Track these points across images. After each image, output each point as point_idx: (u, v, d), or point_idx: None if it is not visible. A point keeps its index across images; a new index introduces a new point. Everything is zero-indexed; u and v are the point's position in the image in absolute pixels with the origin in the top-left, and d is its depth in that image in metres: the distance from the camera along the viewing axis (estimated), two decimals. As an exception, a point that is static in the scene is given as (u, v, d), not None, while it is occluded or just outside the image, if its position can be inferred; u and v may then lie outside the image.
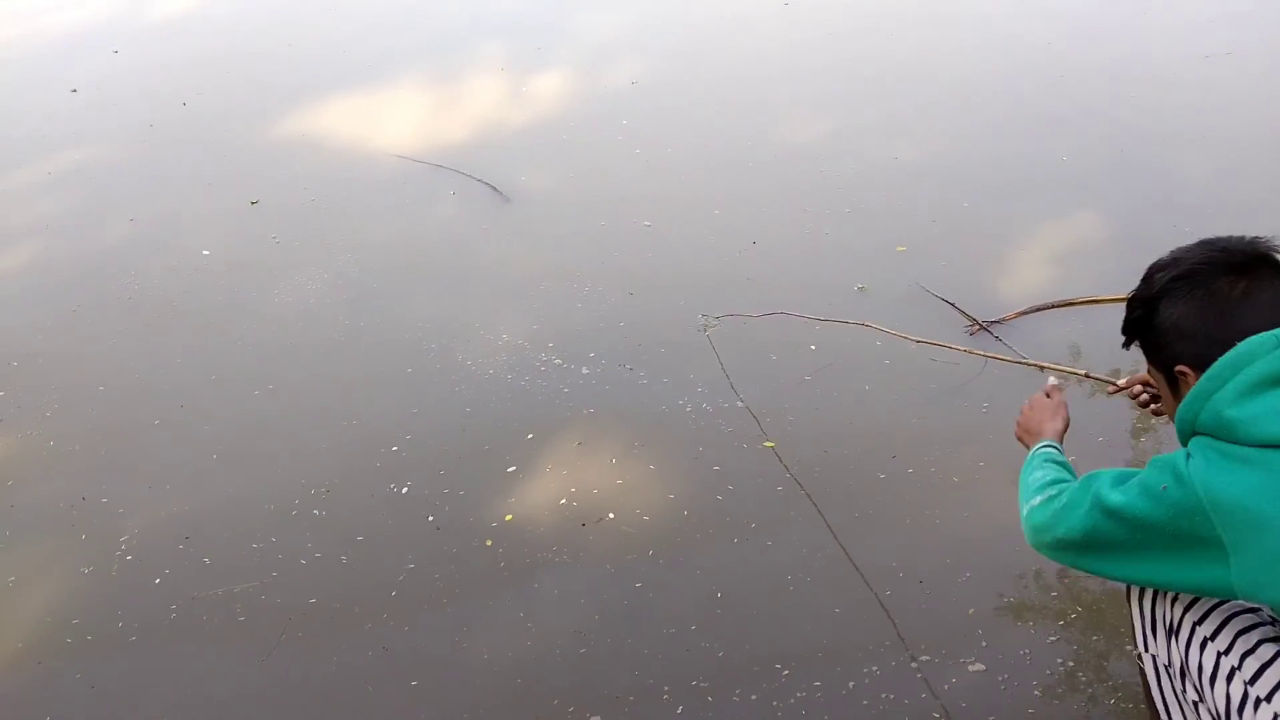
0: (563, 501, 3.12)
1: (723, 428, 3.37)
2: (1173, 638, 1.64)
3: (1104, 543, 1.53)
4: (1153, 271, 1.63)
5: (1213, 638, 1.59)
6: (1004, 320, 3.81)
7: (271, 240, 4.71)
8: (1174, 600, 1.64)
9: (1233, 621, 1.59)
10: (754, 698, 2.49)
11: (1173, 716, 1.71)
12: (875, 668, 2.54)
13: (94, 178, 5.45)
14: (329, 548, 3.00)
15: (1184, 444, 1.52)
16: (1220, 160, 4.97)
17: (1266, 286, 1.50)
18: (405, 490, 3.20)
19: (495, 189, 5.01)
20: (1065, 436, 2.00)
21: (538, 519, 3.06)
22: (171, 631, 2.77)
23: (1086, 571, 1.64)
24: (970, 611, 2.67)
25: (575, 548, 2.96)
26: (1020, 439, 2.07)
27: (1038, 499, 1.70)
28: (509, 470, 3.25)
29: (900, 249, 4.35)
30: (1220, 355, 1.46)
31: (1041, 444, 1.94)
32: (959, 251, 4.32)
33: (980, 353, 2.58)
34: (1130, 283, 4.00)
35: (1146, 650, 1.73)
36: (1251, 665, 1.54)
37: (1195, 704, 1.64)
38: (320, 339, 3.99)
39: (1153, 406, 2.03)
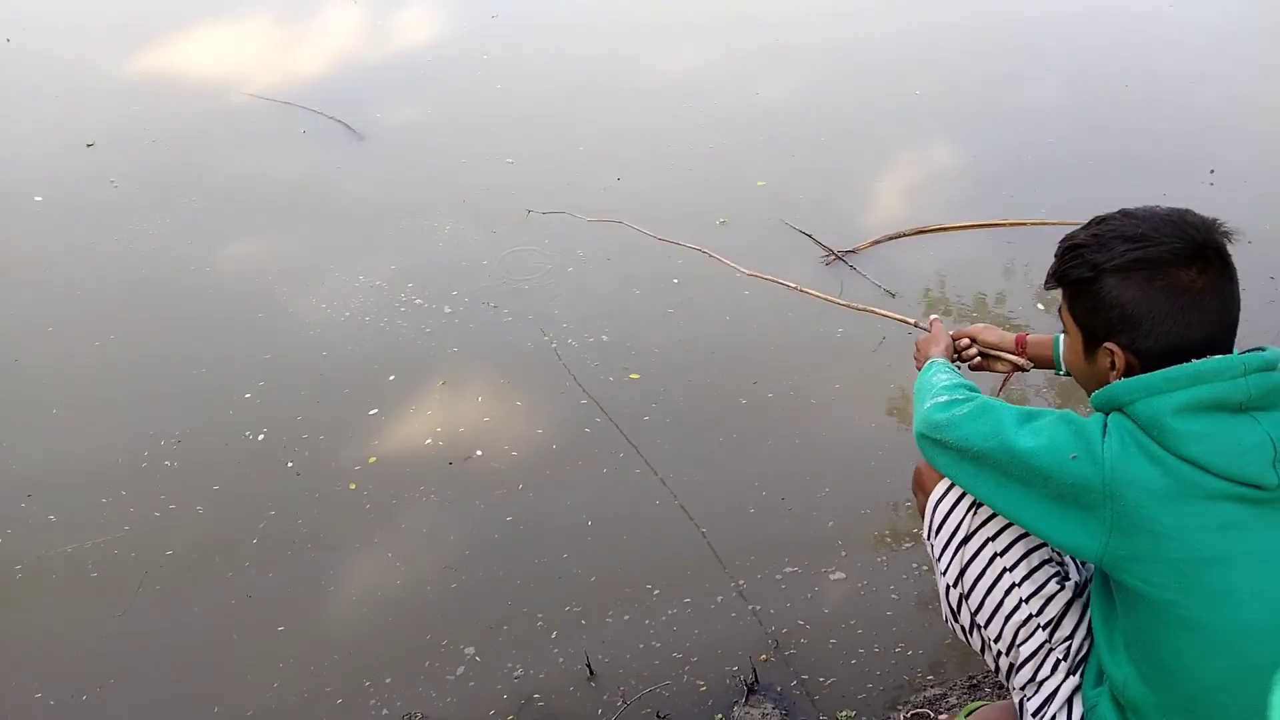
0: (428, 441, 3.08)
1: (588, 361, 3.37)
2: (963, 545, 1.73)
3: (991, 466, 1.56)
4: (1112, 236, 1.50)
5: (1002, 553, 1.69)
6: (858, 250, 3.91)
7: (109, 184, 4.47)
8: (972, 512, 1.72)
9: (1023, 541, 1.70)
10: (626, 618, 2.54)
11: (945, 598, 1.81)
12: (742, 581, 2.61)
13: (-92, 121, 5.08)
14: (183, 499, 2.91)
15: (1099, 409, 1.50)
16: (1061, 95, 5.15)
17: (1217, 288, 1.45)
18: (261, 438, 3.11)
19: (348, 126, 4.85)
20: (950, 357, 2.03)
21: (403, 460, 3.02)
22: (18, 592, 2.66)
23: (955, 479, 1.66)
24: (830, 524, 2.77)
25: (443, 486, 2.94)
26: (918, 352, 2.07)
27: (943, 398, 1.70)
28: (370, 413, 3.19)
29: (760, 183, 4.40)
30: (1154, 347, 1.46)
31: (934, 360, 1.95)
32: (816, 185, 4.39)
33: (803, 289, 2.60)
34: (978, 210, 4.12)
35: (927, 540, 1.82)
36: (1029, 586, 1.67)
37: (961, 598, 1.75)
38: (164, 286, 3.83)
39: (976, 361, 2.05)
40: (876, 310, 2.45)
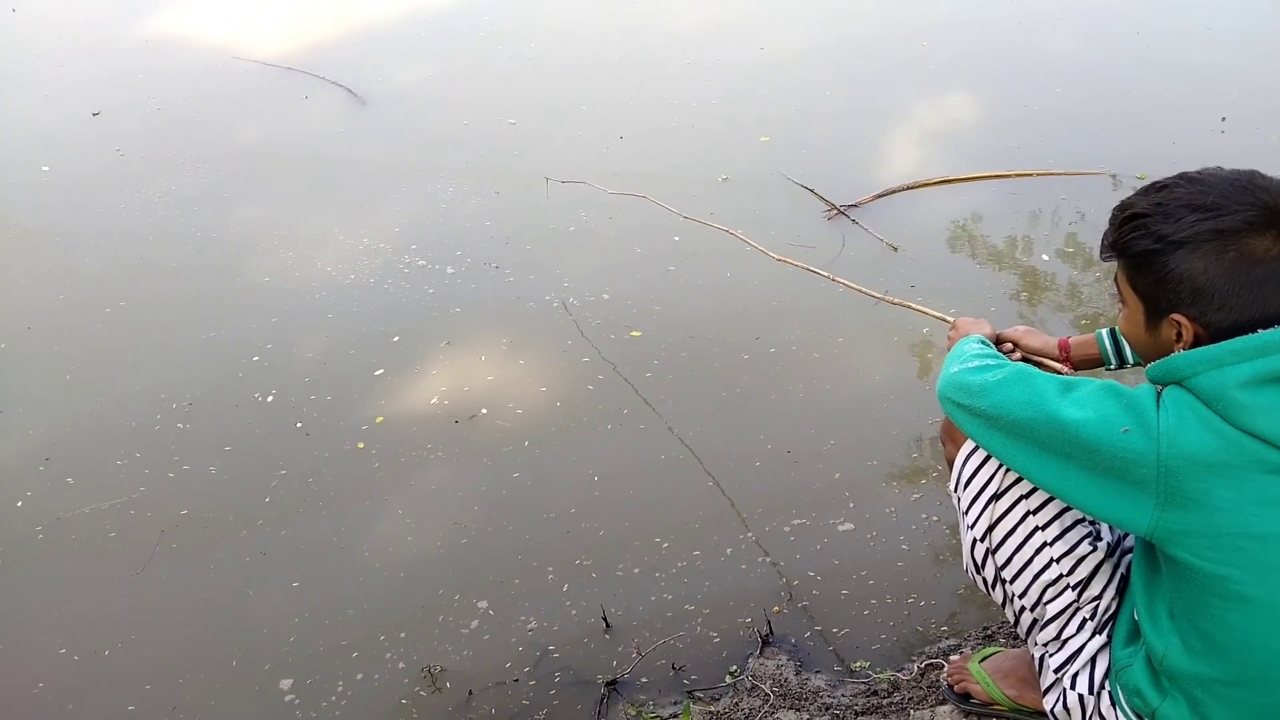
0: (434, 401, 3.11)
1: (590, 320, 3.39)
2: (994, 501, 1.71)
3: (1026, 436, 1.50)
4: (1178, 205, 1.41)
5: (1035, 511, 1.68)
6: (860, 204, 3.90)
7: (116, 153, 4.48)
8: (1004, 468, 1.69)
9: (1056, 501, 1.67)
10: (636, 570, 2.57)
11: (970, 551, 1.78)
12: (750, 534, 2.63)
13: (-88, 93, 5.09)
14: (196, 459, 2.94)
15: (1154, 381, 1.44)
16: (1069, 44, 5.11)
17: None
18: (270, 399, 3.14)
19: (351, 91, 4.85)
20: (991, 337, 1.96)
21: (409, 419, 3.05)
22: (40, 552, 2.70)
23: (982, 444, 1.60)
24: (836, 476, 2.78)
25: (450, 444, 2.96)
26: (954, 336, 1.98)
27: (974, 363, 1.64)
28: (376, 373, 3.21)
29: (764, 139, 4.39)
30: (1227, 320, 1.39)
31: (970, 335, 1.89)
32: (821, 140, 4.38)
33: (836, 279, 2.47)
34: (983, 162, 4.09)
35: (954, 491, 1.80)
36: (1061, 547, 1.66)
37: (987, 552, 1.73)
38: (172, 252, 3.85)
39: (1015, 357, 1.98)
40: (913, 305, 2.32)
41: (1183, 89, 4.58)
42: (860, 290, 2.49)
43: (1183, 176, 1.45)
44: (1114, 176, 3.86)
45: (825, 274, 2.59)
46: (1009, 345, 1.98)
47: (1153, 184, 1.48)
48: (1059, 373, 1.91)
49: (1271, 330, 1.36)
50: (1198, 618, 1.44)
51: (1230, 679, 1.45)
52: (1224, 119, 4.27)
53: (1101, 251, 1.53)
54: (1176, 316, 1.42)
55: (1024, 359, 1.96)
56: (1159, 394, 1.42)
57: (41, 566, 2.67)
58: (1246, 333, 1.37)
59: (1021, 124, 4.39)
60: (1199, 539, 1.38)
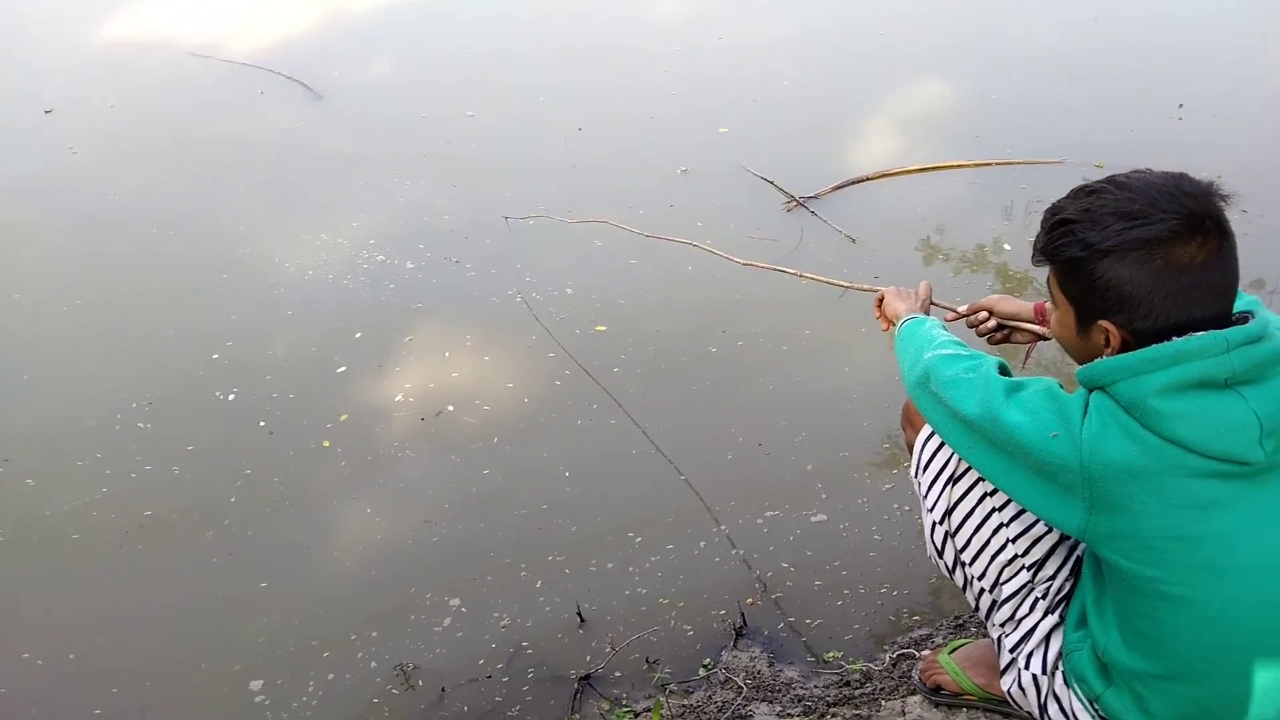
0: (399, 398, 3.08)
1: (554, 315, 3.38)
2: (951, 484, 1.73)
3: (979, 432, 1.51)
4: (1105, 212, 1.42)
5: (991, 493, 1.70)
6: (819, 195, 3.91)
7: (68, 151, 4.39)
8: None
9: None
10: (610, 565, 2.57)
11: (930, 535, 1.81)
12: (724, 527, 2.64)
13: None
14: (159, 459, 2.89)
15: (1082, 384, 1.46)
16: (1026, 33, 5.16)
17: (1216, 261, 1.39)
18: (232, 397, 3.10)
19: (307, 86, 4.79)
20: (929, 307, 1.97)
21: (375, 417, 3.02)
22: (1, 556, 2.64)
23: (944, 436, 1.61)
24: (808, 468, 2.79)
25: (417, 441, 2.94)
26: (884, 309, 1.99)
27: (947, 350, 1.64)
28: (339, 370, 3.18)
29: (722, 130, 4.40)
30: (1153, 326, 1.40)
31: (921, 316, 1.86)
32: (780, 130, 4.39)
33: (805, 275, 2.44)
34: (943, 151, 4.10)
35: (914, 476, 1.82)
36: (1016, 527, 1.68)
37: (946, 535, 1.76)
38: (128, 250, 3.78)
39: (996, 336, 1.99)
40: (866, 287, 2.23)
41: (1140, 75, 4.62)
42: (832, 282, 2.45)
43: (1111, 181, 1.45)
44: (1072, 165, 3.91)
45: (793, 271, 2.56)
46: (984, 313, 1.98)
47: (1081, 188, 1.48)
48: (1037, 335, 1.93)
49: (1184, 338, 1.38)
50: (1132, 616, 1.48)
51: (1165, 673, 1.48)
52: (1181, 105, 4.32)
53: (1032, 255, 1.53)
54: (1104, 323, 1.44)
55: (999, 325, 1.96)
56: (1087, 399, 1.44)
57: (3, 570, 2.62)
58: (1173, 337, 1.39)
59: (981, 113, 4.44)
60: (1126, 541, 1.41)
